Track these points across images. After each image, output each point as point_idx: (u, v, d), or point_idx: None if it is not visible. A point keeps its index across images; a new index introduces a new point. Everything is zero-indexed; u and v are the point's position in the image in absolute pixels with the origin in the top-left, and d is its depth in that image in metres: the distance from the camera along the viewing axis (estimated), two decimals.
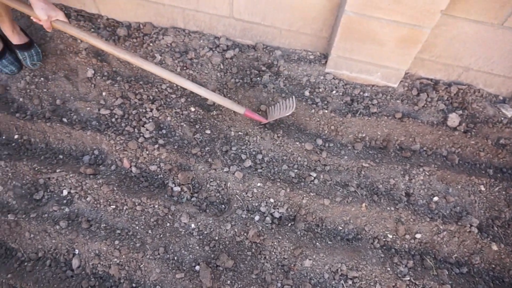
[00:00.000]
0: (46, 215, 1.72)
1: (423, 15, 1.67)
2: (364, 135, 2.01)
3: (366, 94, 2.11)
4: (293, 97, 1.87)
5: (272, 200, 1.81)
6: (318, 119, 2.03)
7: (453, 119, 1.97)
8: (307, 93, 2.10)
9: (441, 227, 1.75)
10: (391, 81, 2.07)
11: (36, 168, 1.83)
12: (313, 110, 2.03)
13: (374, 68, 2.02)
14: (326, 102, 2.08)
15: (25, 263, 1.64)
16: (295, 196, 1.80)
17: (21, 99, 2.08)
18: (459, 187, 1.87)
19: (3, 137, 1.98)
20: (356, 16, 1.78)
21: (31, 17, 1.71)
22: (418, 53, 1.96)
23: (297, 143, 1.94)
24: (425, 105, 2.05)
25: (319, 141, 1.98)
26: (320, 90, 2.11)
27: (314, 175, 1.87)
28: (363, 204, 1.78)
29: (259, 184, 1.81)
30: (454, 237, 1.76)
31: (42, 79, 2.13)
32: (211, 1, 2.09)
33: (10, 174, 1.81)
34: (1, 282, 1.57)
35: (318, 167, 1.91)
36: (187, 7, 2.17)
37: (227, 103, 1.85)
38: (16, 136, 1.98)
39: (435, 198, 1.85)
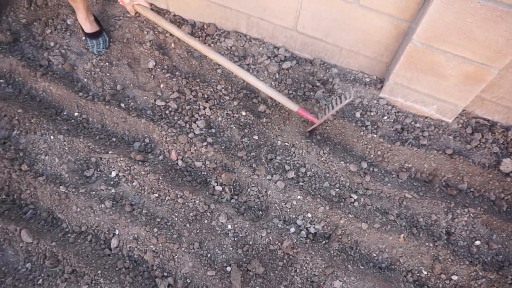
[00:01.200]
0: (93, 192, 1.80)
1: (494, 55, 1.64)
2: (410, 165, 1.98)
3: (417, 125, 2.08)
4: (351, 87, 1.76)
5: (309, 215, 1.81)
6: (366, 142, 2.02)
7: (507, 164, 1.91)
8: (358, 114, 2.10)
9: (480, 273, 1.70)
10: (446, 116, 2.04)
11: (91, 147, 1.92)
12: (362, 132, 2.03)
13: (430, 100, 2.00)
14: (376, 126, 2.07)
15: (69, 235, 1.72)
16: (333, 215, 1.79)
17: (85, 80, 2.20)
18: (504, 235, 1.81)
19: (65, 113, 2.10)
20: (423, 46, 1.77)
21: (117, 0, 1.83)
22: (480, 91, 1.92)
23: (342, 162, 1.94)
24: (478, 146, 2.00)
25: (364, 164, 1.97)
26: (372, 113, 2.10)
27: (355, 197, 1.86)
28: (402, 235, 1.75)
29: (299, 197, 1.82)
30: (492, 286, 1.70)
31: (107, 63, 2.24)
32: (277, 12, 2.14)
33: (66, 148, 1.91)
34: (45, 248, 1.65)
35: (359, 190, 1.90)
36: (253, 14, 2.23)
37: (282, 98, 1.87)
38: (76, 114, 2.09)
39: (477, 242, 1.79)
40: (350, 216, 1.78)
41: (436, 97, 1.97)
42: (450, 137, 2.04)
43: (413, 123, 2.09)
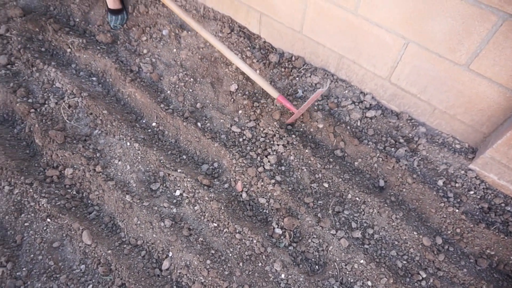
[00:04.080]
0: (156, 207, 1.80)
1: None
2: (493, 253, 1.77)
3: (509, 208, 1.86)
4: (328, 80, 1.83)
5: (370, 283, 1.67)
6: (445, 216, 1.84)
7: None
8: (440, 183, 1.92)
9: None
10: None
11: (162, 161, 1.93)
12: (443, 204, 1.85)
13: None
14: (459, 200, 1.88)
15: (124, 245, 1.73)
16: None
17: (168, 92, 2.24)
18: None
19: (144, 121, 2.15)
20: None
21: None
22: None
23: (415, 233, 1.77)
24: None
25: (439, 240, 1.78)
26: (457, 185, 1.91)
27: (424, 275, 1.69)
28: None
29: (362, 261, 1.69)
30: None
31: (191, 79, 2.27)
32: (374, 58, 2.04)
33: (139, 157, 1.94)
34: (101, 254, 1.67)
35: (430, 268, 1.72)
36: (346, 55, 2.15)
37: (264, 84, 2.01)
38: (154, 124, 2.13)
39: None
40: None
41: None
42: None
43: (503, 205, 1.87)
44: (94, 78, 2.30)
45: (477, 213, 1.85)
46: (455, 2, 1.56)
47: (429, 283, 1.68)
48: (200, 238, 1.73)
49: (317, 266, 1.74)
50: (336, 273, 1.69)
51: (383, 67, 2.04)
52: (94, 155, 1.94)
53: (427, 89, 1.95)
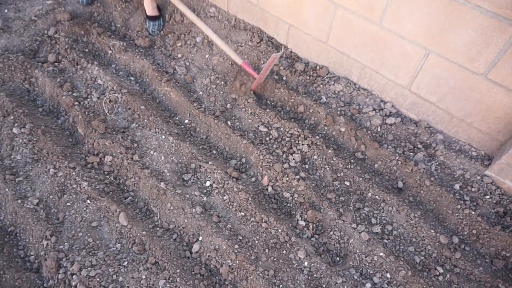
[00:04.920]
0: (187, 195, 1.93)
1: None
2: (508, 254, 1.84)
3: None
4: (283, 48, 2.09)
5: (389, 275, 1.75)
6: (461, 217, 1.92)
7: None
8: (457, 186, 2.02)
9: None
10: None
11: (194, 154, 2.07)
12: (459, 206, 1.94)
13: None
14: (475, 203, 1.96)
15: (157, 228, 1.85)
16: (414, 283, 1.71)
17: (200, 93, 2.40)
18: None
19: (177, 118, 2.30)
20: None
21: None
22: None
23: (432, 231, 1.86)
24: None
25: (455, 239, 1.86)
26: (473, 189, 2.00)
27: (441, 270, 1.76)
28: None
29: (381, 254, 1.78)
30: None
31: (222, 82, 2.43)
32: (394, 68, 2.17)
33: (173, 150, 2.08)
34: (135, 234, 1.79)
35: (446, 265, 1.80)
36: (369, 65, 2.29)
37: (229, 51, 2.23)
38: (186, 121, 2.28)
39: None
40: None
41: None
42: None
43: None
44: (132, 78, 2.48)
45: (493, 217, 1.93)
46: (475, 15, 1.71)
47: (446, 278, 1.75)
48: (228, 225, 1.84)
49: (338, 258, 1.83)
50: (356, 264, 1.78)
51: (404, 77, 2.17)
52: (132, 146, 2.09)
53: (446, 98, 2.07)
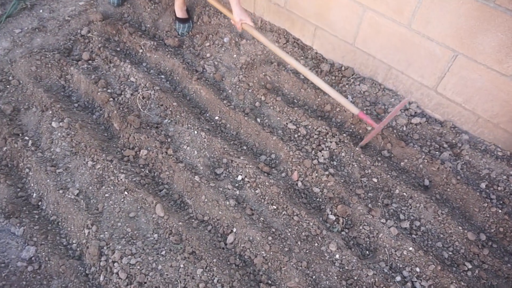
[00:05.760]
0: (221, 189, 1.99)
1: None
2: None
3: None
4: (407, 99, 1.87)
5: (418, 269, 1.79)
6: (488, 215, 1.96)
7: None
8: (483, 185, 2.06)
9: None
10: None
11: (225, 149, 2.13)
12: (486, 204, 1.98)
13: None
14: (502, 202, 2.00)
15: (193, 220, 1.91)
16: (443, 277, 1.75)
17: (230, 91, 2.48)
18: None
19: (207, 114, 2.37)
20: None
21: (229, 18, 2.45)
22: None
23: (460, 227, 1.90)
24: None
25: (483, 236, 1.90)
26: (499, 188, 2.04)
27: (469, 266, 1.81)
28: None
29: (411, 249, 1.82)
30: None
31: (250, 83, 2.50)
32: (421, 69, 2.23)
33: (205, 145, 2.15)
34: (172, 225, 1.85)
35: (475, 261, 1.84)
36: (395, 66, 2.35)
37: (343, 100, 2.08)
38: (216, 118, 2.35)
39: None
40: (463, 284, 1.72)
41: None
42: None
43: None
44: (162, 76, 2.56)
45: None
46: (506, 18, 1.76)
47: (475, 274, 1.79)
48: (261, 218, 1.90)
49: (367, 251, 1.88)
50: (386, 258, 1.83)
51: (431, 78, 2.22)
52: (166, 140, 2.16)
53: (472, 99, 2.12)
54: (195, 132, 2.19)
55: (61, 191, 1.92)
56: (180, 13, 2.72)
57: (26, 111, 2.28)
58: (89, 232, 1.79)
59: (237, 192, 1.99)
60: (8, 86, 2.37)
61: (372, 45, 2.37)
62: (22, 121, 2.24)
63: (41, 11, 2.84)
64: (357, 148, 2.14)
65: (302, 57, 2.64)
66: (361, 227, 1.92)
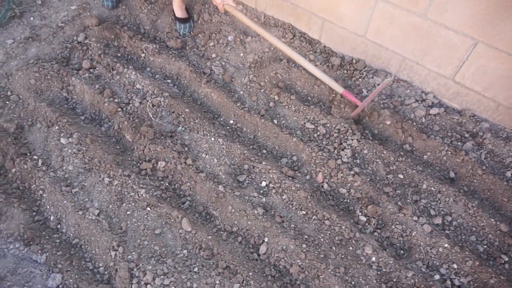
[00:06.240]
0: (246, 197, 1.92)
1: None
2: None
3: None
4: (393, 75, 1.94)
5: (455, 266, 1.77)
6: None
7: None
8: (509, 174, 2.04)
9: None
10: None
11: (246, 154, 2.06)
12: None
13: None
14: None
15: (221, 232, 1.84)
16: (482, 272, 1.74)
17: (241, 92, 2.39)
18: None
19: (221, 118, 2.29)
20: None
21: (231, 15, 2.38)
22: None
23: (492, 219, 1.88)
24: None
25: None
26: None
27: (506, 259, 1.79)
28: None
29: (446, 245, 1.80)
30: None
31: (261, 83, 2.41)
32: (437, 59, 2.18)
33: (224, 152, 2.07)
34: (201, 239, 1.78)
35: (510, 253, 1.82)
36: (410, 57, 2.29)
37: (327, 79, 2.15)
38: (231, 121, 2.27)
39: None
40: (502, 278, 1.71)
41: None
42: None
43: None
44: (169, 80, 2.45)
45: None
46: None
47: None
48: (292, 225, 1.85)
49: (402, 251, 1.85)
50: (423, 257, 1.80)
51: (448, 67, 2.18)
52: (183, 150, 2.07)
53: (493, 87, 2.09)
54: (212, 139, 2.10)
55: (80, 212, 1.82)
56: (179, 12, 2.60)
57: (30, 128, 2.15)
58: (116, 254, 1.71)
59: (264, 199, 1.93)
60: (7, 102, 2.23)
61: (385, 36, 2.31)
62: (28, 139, 2.12)
63: (31, 18, 2.68)
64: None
65: (311, 52, 2.56)
66: (393, 227, 1.88)
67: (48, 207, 1.89)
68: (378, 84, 2.41)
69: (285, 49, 2.20)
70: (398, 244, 1.86)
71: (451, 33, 2.05)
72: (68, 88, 2.33)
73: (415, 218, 1.88)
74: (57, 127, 2.11)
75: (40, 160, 2.02)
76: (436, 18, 2.05)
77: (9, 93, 2.28)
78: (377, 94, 2.07)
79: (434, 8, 2.02)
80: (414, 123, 2.22)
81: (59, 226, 1.85)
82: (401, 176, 2.04)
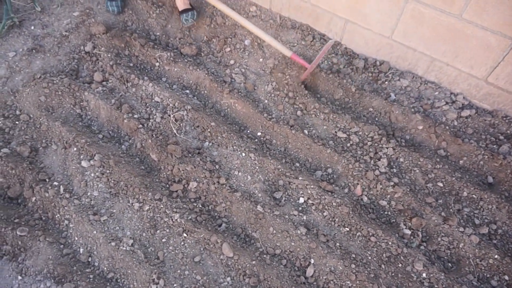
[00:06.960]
0: (286, 216, 1.83)
1: None
2: None
3: None
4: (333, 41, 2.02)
5: (507, 277, 1.73)
6: None
7: None
8: None
9: None
10: None
11: (280, 169, 1.96)
12: None
13: None
14: None
15: (264, 255, 1.75)
16: None
17: (266, 101, 2.27)
18: None
19: (248, 131, 2.17)
20: None
21: None
22: None
23: None
24: None
25: None
26: None
27: None
28: None
29: (496, 256, 1.75)
30: None
31: (285, 91, 2.30)
32: (470, 60, 2.11)
33: (257, 167, 1.97)
34: (244, 265, 1.69)
35: None
36: (439, 58, 2.21)
37: (276, 44, 2.19)
38: (259, 134, 2.16)
39: None
40: None
41: None
42: None
43: None
44: (187, 91, 2.31)
45: None
46: None
47: None
48: (337, 243, 1.77)
49: (450, 264, 1.79)
50: (473, 270, 1.75)
51: (481, 68, 2.11)
52: (214, 167, 1.96)
53: None
54: (243, 154, 1.99)
55: (113, 243, 1.70)
56: (181, 5, 2.47)
57: (45, 150, 2.00)
58: None
59: (304, 217, 1.84)
60: (17, 123, 2.07)
61: (413, 37, 2.22)
62: (44, 162, 1.97)
63: (32, 27, 2.49)
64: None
65: (333, 54, 2.46)
66: (439, 239, 1.83)
67: (76, 238, 1.76)
68: (406, 87, 2.33)
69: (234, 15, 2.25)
70: (445, 257, 1.81)
71: (488, 34, 1.98)
72: (82, 104, 2.18)
73: (461, 229, 1.83)
74: (75, 149, 1.96)
75: (61, 186, 1.88)
76: (473, 19, 1.97)
77: (18, 112, 2.11)
78: (322, 57, 2.09)
79: (471, 8, 1.93)
80: (447, 127, 2.16)
81: (90, 259, 1.73)
82: (441, 184, 1.98)
